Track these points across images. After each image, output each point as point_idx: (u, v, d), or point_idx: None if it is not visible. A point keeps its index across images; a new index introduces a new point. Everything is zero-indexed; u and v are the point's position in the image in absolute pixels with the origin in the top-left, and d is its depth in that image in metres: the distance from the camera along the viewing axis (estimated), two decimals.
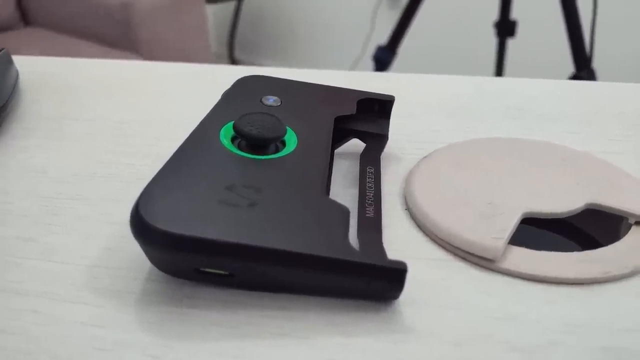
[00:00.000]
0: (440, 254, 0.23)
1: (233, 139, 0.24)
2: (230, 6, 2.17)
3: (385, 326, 0.19)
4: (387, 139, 0.29)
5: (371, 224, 0.23)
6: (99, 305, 0.20)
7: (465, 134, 0.32)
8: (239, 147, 0.24)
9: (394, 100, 0.29)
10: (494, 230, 0.22)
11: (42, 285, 0.21)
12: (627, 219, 0.24)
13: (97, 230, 0.24)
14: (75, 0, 1.64)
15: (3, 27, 1.71)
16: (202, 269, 0.20)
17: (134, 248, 0.22)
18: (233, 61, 2.27)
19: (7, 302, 0.20)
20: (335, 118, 0.27)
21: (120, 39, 1.58)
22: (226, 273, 0.20)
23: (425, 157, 0.28)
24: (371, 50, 1.33)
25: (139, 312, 0.20)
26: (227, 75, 0.39)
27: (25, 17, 1.82)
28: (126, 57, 1.54)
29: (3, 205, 0.26)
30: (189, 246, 0.18)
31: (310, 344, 0.18)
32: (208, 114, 0.26)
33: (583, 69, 1.15)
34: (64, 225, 0.24)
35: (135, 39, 1.57)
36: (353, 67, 1.81)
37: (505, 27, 1.27)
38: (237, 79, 0.30)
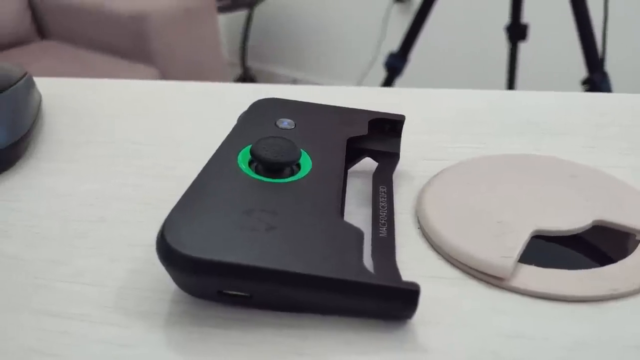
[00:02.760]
0: (453, 272, 0.23)
1: (250, 163, 0.25)
2: (242, 15, 2.19)
3: (399, 345, 0.20)
4: (399, 157, 0.30)
5: (385, 245, 0.23)
6: (127, 325, 0.21)
7: (476, 150, 0.33)
8: (256, 171, 0.25)
9: (404, 119, 0.30)
10: (503, 249, 0.23)
11: (73, 306, 0.22)
12: (634, 235, 0.24)
13: (122, 252, 0.25)
14: (89, 14, 1.67)
15: (20, 41, 1.75)
16: (224, 291, 0.21)
17: (159, 270, 0.24)
18: (245, 69, 2.29)
19: (39, 323, 0.21)
20: (347, 139, 0.28)
21: (135, 50, 1.61)
22: (246, 294, 0.21)
23: (435, 175, 0.29)
24: (383, 56, 1.34)
25: (166, 332, 0.21)
26: (241, 94, 0.40)
27: (41, 31, 1.85)
28: (140, 69, 1.57)
29: (32, 229, 0.27)
30: (212, 270, 0.19)
31: None
32: (226, 138, 0.27)
33: (595, 71, 1.14)
34: (90, 248, 0.25)
35: (149, 50, 1.60)
36: (364, 73, 1.81)
37: (517, 31, 1.28)
38: (250, 97, 0.31)
